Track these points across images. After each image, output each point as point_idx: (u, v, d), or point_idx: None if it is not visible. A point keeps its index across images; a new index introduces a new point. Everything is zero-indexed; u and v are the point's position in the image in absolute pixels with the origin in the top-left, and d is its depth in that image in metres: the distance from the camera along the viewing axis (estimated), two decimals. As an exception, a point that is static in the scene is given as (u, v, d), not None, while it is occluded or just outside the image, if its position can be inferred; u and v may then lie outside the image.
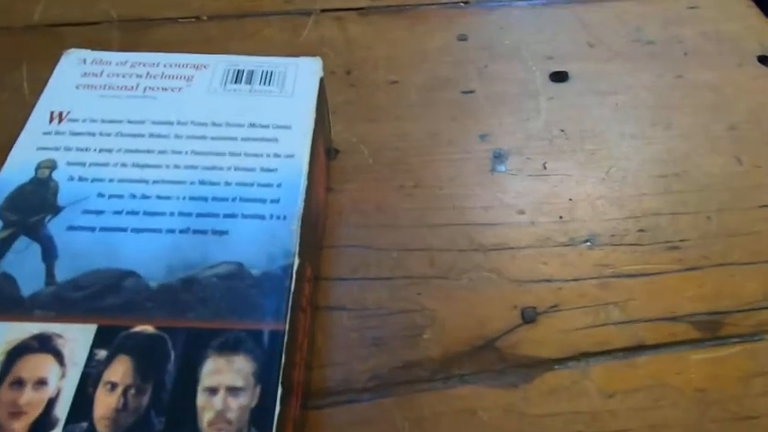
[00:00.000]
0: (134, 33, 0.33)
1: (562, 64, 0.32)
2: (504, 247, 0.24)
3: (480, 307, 0.23)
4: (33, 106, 0.29)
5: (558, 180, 0.27)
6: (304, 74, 0.23)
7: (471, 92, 0.30)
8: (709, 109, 0.30)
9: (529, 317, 0.22)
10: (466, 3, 0.35)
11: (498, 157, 0.28)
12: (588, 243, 0.25)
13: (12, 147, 0.27)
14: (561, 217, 0.26)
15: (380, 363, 0.21)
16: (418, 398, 0.20)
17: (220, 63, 0.24)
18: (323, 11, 0.34)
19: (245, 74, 0.23)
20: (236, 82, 0.23)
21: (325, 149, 0.25)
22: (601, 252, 0.24)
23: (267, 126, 0.21)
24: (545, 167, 0.27)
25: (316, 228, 0.23)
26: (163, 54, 0.24)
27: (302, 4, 0.35)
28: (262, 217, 0.19)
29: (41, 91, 0.31)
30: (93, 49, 0.32)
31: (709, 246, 0.25)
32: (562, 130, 0.29)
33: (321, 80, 0.24)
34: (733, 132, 0.29)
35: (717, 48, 0.33)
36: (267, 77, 0.23)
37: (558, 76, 0.31)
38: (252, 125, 0.21)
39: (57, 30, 0.33)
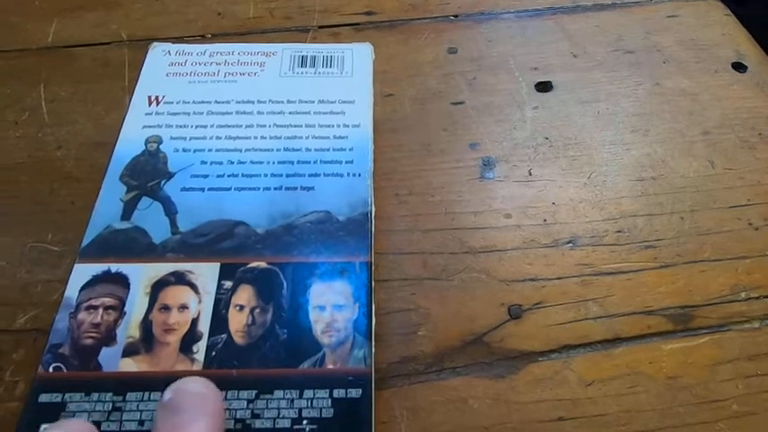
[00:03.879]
0: (143, 52, 0.34)
1: (547, 74, 0.34)
2: (493, 249, 0.26)
3: (470, 305, 0.25)
4: (52, 126, 0.31)
5: (543, 185, 0.29)
6: (359, 57, 0.27)
7: (461, 103, 0.32)
8: (686, 115, 0.32)
9: (515, 313, 0.24)
10: (456, 16, 0.37)
11: (487, 164, 0.30)
12: (570, 244, 0.27)
13: (34, 165, 0.29)
14: (545, 220, 0.27)
15: (380, 358, 0.23)
16: (414, 389, 0.22)
17: (286, 50, 0.28)
18: (320, 27, 0.36)
19: (308, 59, 0.27)
20: (301, 66, 0.27)
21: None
22: (582, 252, 0.26)
23: (334, 101, 0.26)
24: (530, 174, 0.29)
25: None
26: (236, 44, 0.28)
27: (301, 21, 0.37)
28: (340, 175, 0.23)
29: (60, 111, 0.33)
30: (107, 66, 0.34)
31: (682, 244, 0.27)
32: (546, 138, 0.31)
33: (373, 62, 0.27)
34: (707, 137, 0.31)
35: (694, 55, 0.35)
36: (328, 61, 0.27)
37: (543, 86, 0.33)
38: (321, 101, 0.26)
39: (69, 50, 0.35)
